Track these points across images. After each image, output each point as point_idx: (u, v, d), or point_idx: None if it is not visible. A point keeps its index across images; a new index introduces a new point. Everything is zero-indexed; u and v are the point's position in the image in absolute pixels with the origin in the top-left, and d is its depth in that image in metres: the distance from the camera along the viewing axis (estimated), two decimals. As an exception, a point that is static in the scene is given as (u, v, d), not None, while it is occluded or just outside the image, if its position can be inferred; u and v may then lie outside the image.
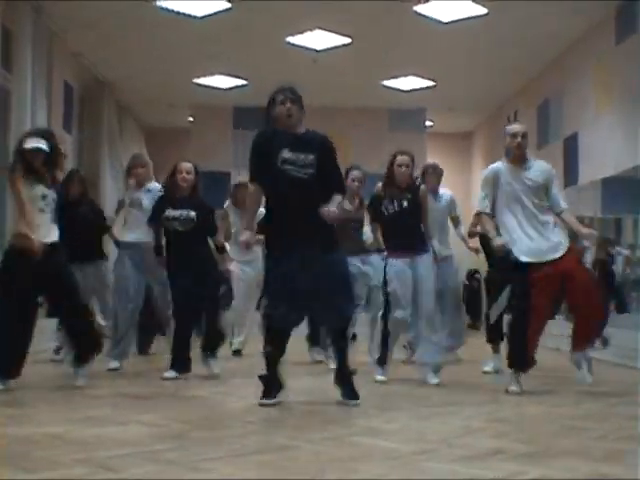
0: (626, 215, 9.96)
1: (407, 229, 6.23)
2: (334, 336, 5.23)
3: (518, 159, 5.80)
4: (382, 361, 6.33)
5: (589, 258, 9.90)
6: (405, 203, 6.23)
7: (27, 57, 8.95)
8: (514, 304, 6.01)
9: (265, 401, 4.90)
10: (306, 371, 7.06)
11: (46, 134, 5.92)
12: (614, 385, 6.39)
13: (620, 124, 9.22)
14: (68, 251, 5.94)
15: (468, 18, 9.71)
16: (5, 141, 8.82)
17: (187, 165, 6.66)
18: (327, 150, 5.07)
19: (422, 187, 6.46)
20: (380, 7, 9.42)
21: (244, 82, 12.69)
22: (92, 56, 11.44)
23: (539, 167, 5.84)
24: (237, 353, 8.68)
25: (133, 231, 7.22)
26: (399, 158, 6.33)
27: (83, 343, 5.82)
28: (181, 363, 6.51)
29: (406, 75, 12.37)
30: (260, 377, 5.01)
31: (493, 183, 5.79)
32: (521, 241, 5.64)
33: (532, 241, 5.63)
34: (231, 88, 12.95)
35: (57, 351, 7.79)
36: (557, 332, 7.79)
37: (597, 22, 9.76)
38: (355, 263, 6.99)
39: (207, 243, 6.79)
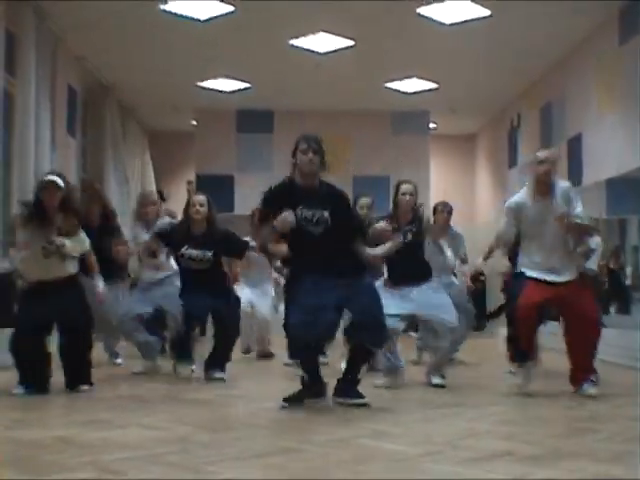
0: (631, 216, 9.94)
1: (410, 262, 6.09)
2: (362, 349, 5.16)
3: (544, 188, 5.57)
4: (372, 368, 6.32)
5: (595, 261, 9.88)
6: (409, 236, 6.11)
7: (31, 61, 8.96)
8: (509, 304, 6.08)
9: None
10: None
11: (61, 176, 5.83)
12: (619, 386, 6.37)
13: (623, 125, 9.21)
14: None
15: (471, 20, 9.71)
16: (9, 145, 8.82)
17: (200, 198, 6.62)
18: (341, 204, 5.15)
19: (427, 217, 6.47)
20: (383, 9, 9.43)
21: (247, 85, 12.70)
22: (95, 60, 11.45)
23: (560, 192, 5.61)
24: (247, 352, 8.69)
25: (150, 271, 7.25)
26: (403, 187, 6.25)
27: (75, 373, 5.78)
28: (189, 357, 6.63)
29: (409, 77, 12.37)
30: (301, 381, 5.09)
31: (515, 215, 5.65)
32: (536, 269, 5.58)
33: (550, 274, 5.57)
34: (234, 91, 12.96)
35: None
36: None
37: (600, 23, 9.75)
38: None
39: (222, 275, 6.82)
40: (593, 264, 9.61)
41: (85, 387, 5.75)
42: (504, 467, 3.29)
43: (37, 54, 9.09)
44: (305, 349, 5.01)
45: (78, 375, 5.77)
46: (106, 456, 3.43)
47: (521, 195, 5.71)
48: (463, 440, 3.90)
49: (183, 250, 6.51)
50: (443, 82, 12.54)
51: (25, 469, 3.23)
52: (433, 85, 12.69)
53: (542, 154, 5.63)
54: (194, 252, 6.50)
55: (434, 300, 6.02)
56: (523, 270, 5.66)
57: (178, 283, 6.84)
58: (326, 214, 5.01)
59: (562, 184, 5.72)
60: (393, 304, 5.77)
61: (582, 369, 5.60)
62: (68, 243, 5.62)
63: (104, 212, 7.26)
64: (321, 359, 7.29)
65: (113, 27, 10.05)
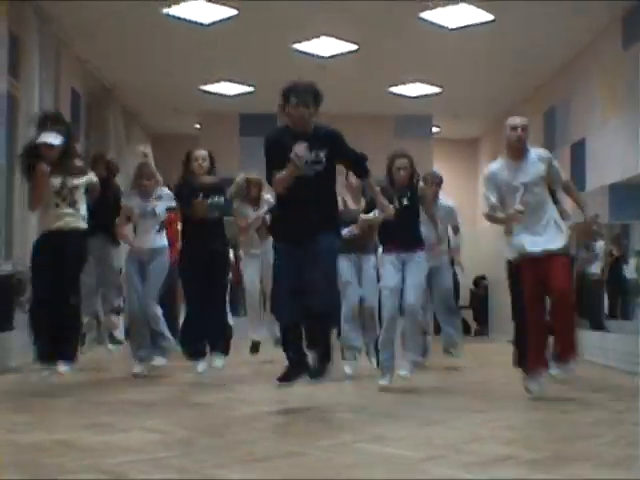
0: (634, 221, 9.93)
1: (405, 227, 6.16)
2: (313, 326, 5.00)
3: (517, 153, 5.70)
4: (380, 364, 6.35)
5: (599, 265, 9.88)
6: (405, 201, 6.18)
7: (34, 64, 8.98)
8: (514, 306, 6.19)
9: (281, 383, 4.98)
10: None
11: (58, 121, 6.02)
12: (620, 391, 6.36)
13: (627, 129, 9.21)
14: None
15: (474, 24, 9.71)
16: (13, 147, 8.83)
17: (202, 153, 6.62)
18: (338, 142, 5.14)
19: (421, 185, 6.42)
20: (386, 14, 9.43)
21: (250, 89, 12.71)
22: (99, 63, 11.47)
23: (537, 156, 5.72)
24: (255, 348, 8.62)
25: (143, 239, 7.18)
26: (398, 162, 6.24)
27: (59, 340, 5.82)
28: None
29: (412, 81, 12.38)
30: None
31: (494, 184, 5.71)
32: (520, 235, 5.64)
33: (531, 235, 5.60)
34: (237, 95, 12.97)
35: (111, 336, 8.02)
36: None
37: (603, 27, 9.75)
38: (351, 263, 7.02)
39: (223, 231, 6.81)
40: (597, 268, 9.60)
41: (63, 368, 5.74)
42: (506, 472, 3.28)
43: (40, 57, 9.11)
44: (287, 330, 5.05)
45: (59, 345, 5.76)
46: (108, 460, 3.43)
47: (496, 164, 5.81)
48: (465, 444, 3.89)
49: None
50: (446, 86, 12.54)
51: (26, 472, 3.23)
52: (436, 89, 12.70)
53: (513, 120, 5.73)
54: (208, 200, 6.46)
55: (409, 280, 6.09)
56: (513, 244, 5.73)
57: None
58: (322, 154, 4.99)
59: (538, 150, 5.85)
60: (390, 276, 6.05)
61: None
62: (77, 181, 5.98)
63: (108, 177, 7.68)
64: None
65: (116, 30, 10.07)
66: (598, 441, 4.04)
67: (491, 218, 5.80)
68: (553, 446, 3.90)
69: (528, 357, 5.73)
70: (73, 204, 6.01)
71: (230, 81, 12.44)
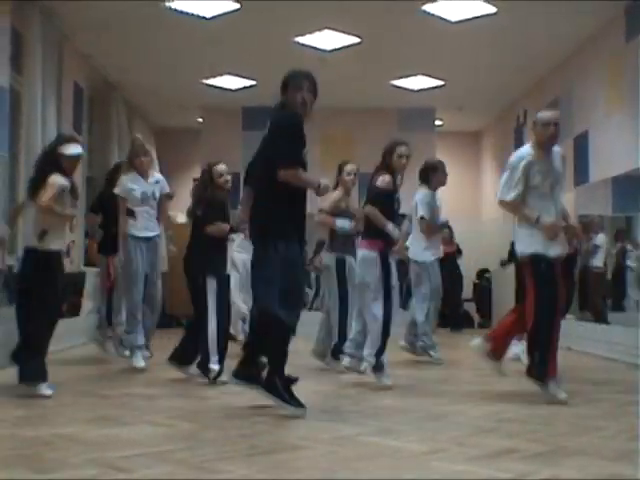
0: (637, 213, 9.92)
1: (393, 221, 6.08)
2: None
3: (547, 150, 5.45)
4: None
5: (601, 258, 9.88)
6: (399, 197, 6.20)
7: (37, 59, 8.97)
8: (541, 306, 5.28)
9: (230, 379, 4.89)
10: (316, 373, 7.02)
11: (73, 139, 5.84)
12: (622, 384, 6.36)
13: (630, 122, 9.18)
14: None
15: (477, 17, 9.68)
16: (16, 143, 8.84)
17: (224, 167, 6.49)
18: None
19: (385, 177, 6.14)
20: (388, 6, 9.41)
21: (253, 82, 12.70)
22: (102, 57, 11.46)
23: (555, 155, 5.53)
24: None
25: (147, 226, 7.13)
26: (402, 149, 6.11)
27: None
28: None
29: (415, 75, 12.35)
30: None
31: (525, 172, 5.37)
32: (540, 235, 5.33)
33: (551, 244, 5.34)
34: (240, 89, 12.96)
35: (121, 343, 7.78)
36: (569, 332, 7.77)
37: (607, 20, 9.72)
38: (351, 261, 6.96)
39: None
40: (599, 261, 9.57)
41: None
42: (509, 465, 3.29)
43: (43, 52, 9.10)
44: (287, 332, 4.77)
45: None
46: (111, 453, 3.44)
47: (528, 152, 5.50)
48: (468, 438, 3.90)
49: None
50: (449, 79, 12.52)
51: (29, 466, 3.24)
52: (439, 82, 12.67)
53: (545, 116, 5.49)
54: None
55: None
56: (536, 250, 5.30)
57: None
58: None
59: (557, 147, 5.64)
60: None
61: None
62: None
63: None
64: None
65: (119, 25, 10.05)
66: (600, 434, 4.04)
67: (515, 210, 5.44)
68: (556, 439, 3.91)
69: (552, 363, 5.25)
70: None
71: (232, 75, 12.42)
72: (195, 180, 13.73)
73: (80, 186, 6.52)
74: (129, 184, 7.07)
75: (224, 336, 6.26)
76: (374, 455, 3.51)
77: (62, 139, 5.77)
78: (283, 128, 4.77)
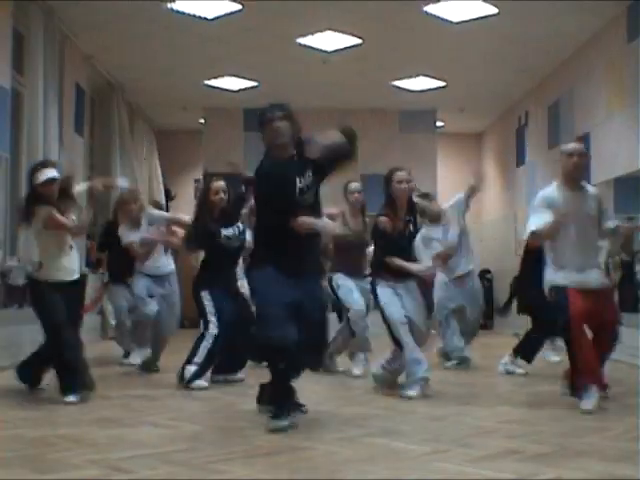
0: (639, 215, 9.91)
1: (405, 255, 5.81)
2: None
3: (574, 182, 5.34)
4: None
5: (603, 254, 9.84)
6: (411, 227, 5.86)
7: (39, 60, 8.97)
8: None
9: (278, 423, 4.19)
10: (319, 374, 6.99)
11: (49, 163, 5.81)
12: (627, 385, 6.35)
13: (632, 123, 9.18)
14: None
15: (479, 18, 9.68)
16: (17, 143, 8.84)
17: (221, 184, 6.49)
18: (322, 156, 4.65)
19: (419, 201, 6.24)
20: (390, 8, 9.41)
21: (255, 84, 12.70)
22: (103, 59, 11.45)
23: (590, 194, 5.42)
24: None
25: (156, 262, 7.28)
26: (398, 175, 5.79)
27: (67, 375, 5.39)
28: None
29: (416, 76, 12.34)
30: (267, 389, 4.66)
31: (546, 209, 5.23)
32: (568, 270, 5.24)
33: (579, 273, 5.23)
34: (242, 90, 12.96)
35: (126, 355, 7.97)
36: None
37: (608, 21, 9.72)
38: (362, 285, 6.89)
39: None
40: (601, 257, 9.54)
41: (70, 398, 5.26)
42: (512, 466, 3.28)
43: (45, 53, 9.10)
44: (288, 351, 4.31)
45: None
46: (114, 454, 3.44)
47: (551, 189, 5.42)
48: (471, 439, 3.89)
49: (224, 232, 6.33)
50: (450, 80, 12.51)
51: (32, 467, 3.24)
52: (440, 83, 12.67)
53: (569, 146, 5.45)
54: (229, 231, 6.37)
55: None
56: (554, 282, 5.25)
57: None
58: (310, 173, 4.55)
59: (591, 188, 5.53)
60: (399, 304, 5.68)
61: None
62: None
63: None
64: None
65: (121, 26, 10.05)
66: (603, 435, 4.04)
67: (537, 236, 5.28)
68: (559, 440, 3.90)
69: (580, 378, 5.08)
70: None
71: (234, 76, 12.42)
72: (196, 182, 13.79)
73: (80, 187, 6.51)
74: (131, 236, 7.23)
75: (225, 347, 6.20)
76: (376, 456, 3.50)
77: (35, 167, 5.76)
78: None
